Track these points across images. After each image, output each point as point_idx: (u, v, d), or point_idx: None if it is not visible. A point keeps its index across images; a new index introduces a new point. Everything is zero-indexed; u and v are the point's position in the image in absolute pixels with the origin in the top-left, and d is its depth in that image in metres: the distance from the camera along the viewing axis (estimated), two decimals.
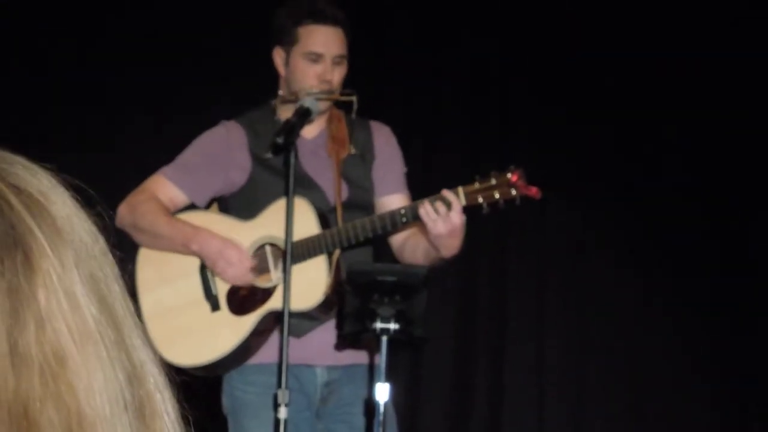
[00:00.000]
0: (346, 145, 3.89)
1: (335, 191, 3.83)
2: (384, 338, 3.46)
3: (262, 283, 3.79)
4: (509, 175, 3.60)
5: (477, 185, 3.62)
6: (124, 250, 1.04)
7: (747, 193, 5.58)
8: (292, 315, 3.52)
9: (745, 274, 5.54)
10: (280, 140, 3.48)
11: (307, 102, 3.63)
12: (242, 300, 3.78)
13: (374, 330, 3.46)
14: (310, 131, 3.87)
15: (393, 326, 3.46)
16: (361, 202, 3.88)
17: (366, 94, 3.84)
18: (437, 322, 5.27)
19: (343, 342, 3.74)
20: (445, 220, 3.59)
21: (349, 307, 3.54)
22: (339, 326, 3.74)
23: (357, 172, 3.89)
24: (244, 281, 3.76)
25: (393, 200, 3.89)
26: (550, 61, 5.64)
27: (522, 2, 5.66)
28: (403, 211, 3.67)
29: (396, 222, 3.69)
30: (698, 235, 5.57)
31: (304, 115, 3.59)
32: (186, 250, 3.79)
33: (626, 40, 5.59)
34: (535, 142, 5.60)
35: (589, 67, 5.61)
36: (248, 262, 3.75)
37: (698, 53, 5.52)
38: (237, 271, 3.74)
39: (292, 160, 3.49)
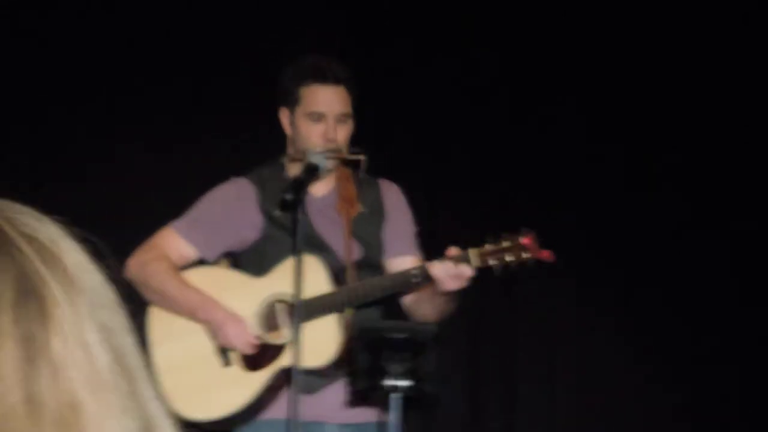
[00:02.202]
0: (356, 204, 3.91)
1: (346, 251, 3.84)
2: (395, 395, 3.45)
3: (273, 339, 3.79)
4: (522, 239, 3.63)
5: (488, 247, 3.65)
6: (133, 304, 1.03)
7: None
8: (304, 372, 3.52)
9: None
10: (288, 197, 3.48)
11: (315, 158, 3.64)
12: (254, 356, 3.78)
13: (385, 387, 3.45)
14: (319, 189, 3.89)
15: (403, 383, 3.45)
16: (372, 262, 3.89)
17: (376, 151, 3.85)
18: (449, 382, 5.25)
19: (355, 399, 3.73)
20: (456, 279, 3.62)
21: (360, 364, 3.54)
22: (350, 383, 3.72)
23: (367, 231, 3.90)
24: (247, 352, 3.77)
25: (404, 262, 3.89)
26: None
27: (531, 57, 5.68)
28: (414, 272, 3.69)
29: (408, 282, 3.71)
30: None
31: (312, 171, 3.60)
32: (192, 317, 3.81)
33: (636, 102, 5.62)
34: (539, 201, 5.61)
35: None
36: (249, 337, 3.76)
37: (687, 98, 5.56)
38: (238, 344, 3.75)
39: (301, 216, 3.50)
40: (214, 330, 3.78)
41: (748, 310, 5.57)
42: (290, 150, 3.88)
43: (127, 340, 0.97)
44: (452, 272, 3.61)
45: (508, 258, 3.63)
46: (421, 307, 3.84)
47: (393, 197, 3.97)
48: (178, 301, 3.80)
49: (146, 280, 3.81)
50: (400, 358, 3.47)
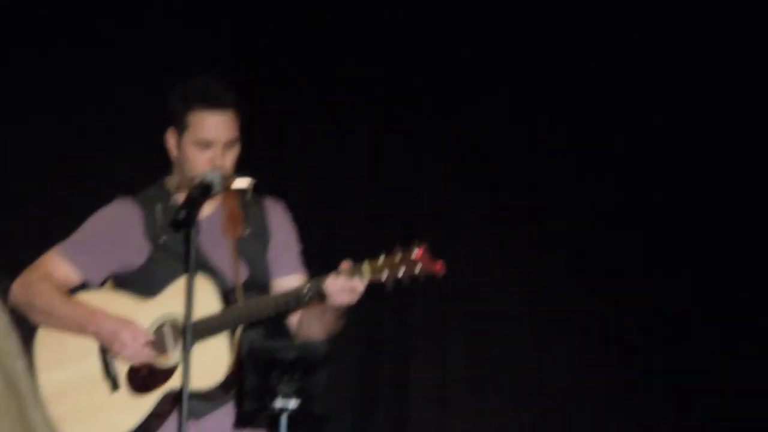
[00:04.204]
0: (241, 225, 3.89)
1: (234, 272, 3.82)
2: (284, 416, 3.44)
3: (161, 362, 3.75)
4: (414, 251, 3.63)
5: (382, 261, 3.64)
6: (25, 329, 1.02)
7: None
8: (191, 396, 3.49)
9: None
10: (181, 215, 3.46)
11: (209, 176, 3.62)
12: (142, 380, 3.74)
13: (274, 408, 3.44)
14: (203, 211, 3.82)
15: (293, 404, 3.44)
16: (259, 282, 3.88)
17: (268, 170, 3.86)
18: (338, 400, 5.25)
19: (243, 421, 3.71)
20: (349, 293, 3.62)
21: (248, 385, 3.52)
22: (238, 404, 3.71)
23: (253, 251, 3.88)
24: (142, 359, 3.73)
25: (290, 281, 3.88)
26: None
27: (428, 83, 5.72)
28: (306, 289, 3.68)
29: (300, 299, 3.69)
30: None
31: (206, 190, 3.59)
32: (82, 332, 3.76)
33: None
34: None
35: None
36: (143, 339, 3.72)
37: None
38: (132, 349, 3.71)
39: (194, 235, 3.47)
40: (106, 341, 3.73)
41: (654, 282, 5.66)
42: (175, 172, 3.85)
43: (18, 363, 0.97)
44: (345, 286, 3.61)
45: (401, 271, 3.63)
46: (309, 324, 3.82)
47: (278, 216, 3.96)
48: (66, 318, 3.76)
49: (31, 300, 3.77)
50: (289, 378, 3.45)
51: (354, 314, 3.82)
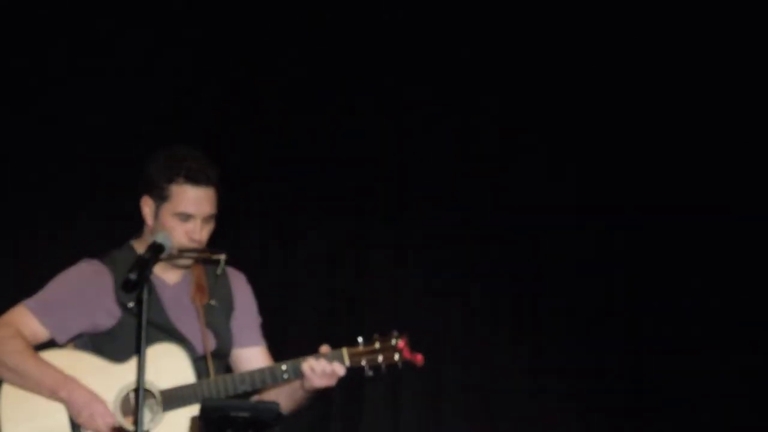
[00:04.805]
0: (206, 294, 3.94)
1: (203, 340, 3.86)
2: None
3: (130, 426, 3.76)
4: (395, 342, 3.75)
5: (361, 348, 3.76)
6: None
7: None
8: None
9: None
10: (133, 276, 3.47)
11: (160, 237, 3.65)
12: None
13: None
14: (171, 277, 3.92)
15: None
16: (224, 352, 3.95)
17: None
18: None
19: None
20: (329, 377, 3.73)
21: None
22: None
23: (218, 321, 3.95)
24: None
25: (252, 352, 3.97)
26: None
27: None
28: (284, 367, 3.77)
29: (276, 378, 3.78)
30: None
31: (157, 251, 3.61)
32: (53, 396, 3.77)
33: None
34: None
35: None
36: (111, 420, 3.75)
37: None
38: (100, 426, 3.74)
39: (146, 296, 3.48)
40: (75, 409, 3.75)
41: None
42: (147, 238, 3.86)
43: None
44: (326, 370, 3.71)
45: (380, 359, 3.73)
46: (277, 396, 3.87)
47: (241, 287, 4.03)
48: (37, 380, 3.77)
49: (3, 358, 3.78)
50: None
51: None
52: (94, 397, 3.75)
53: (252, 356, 3.95)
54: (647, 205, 5.85)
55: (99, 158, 5.43)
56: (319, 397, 5.21)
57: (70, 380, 3.77)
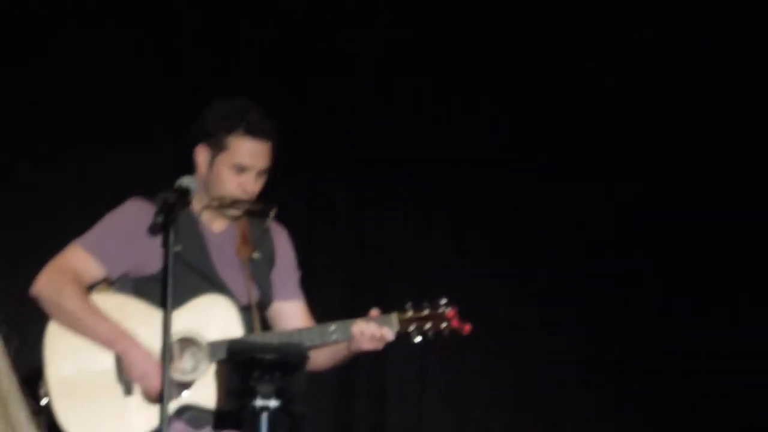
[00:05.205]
0: (250, 247, 3.95)
1: (247, 292, 3.88)
2: (263, 415, 3.48)
3: (178, 377, 3.78)
4: (446, 310, 3.78)
5: (410, 314, 3.78)
6: (11, 327, 1.06)
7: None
8: (197, 408, 3.68)
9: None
10: (159, 220, 3.48)
11: (186, 181, 3.65)
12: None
13: (254, 407, 3.47)
14: (217, 226, 3.92)
15: (273, 403, 3.48)
16: (266, 305, 3.97)
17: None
18: (317, 397, 5.29)
19: (223, 419, 3.75)
20: (377, 341, 3.74)
21: (229, 385, 3.56)
22: (219, 403, 3.75)
23: (261, 274, 3.96)
24: (155, 399, 3.74)
25: (291, 306, 3.99)
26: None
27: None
28: (333, 328, 3.79)
29: (324, 338, 3.80)
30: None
31: (183, 195, 3.61)
32: (107, 347, 3.78)
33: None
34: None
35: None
36: (158, 381, 3.69)
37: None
38: (150, 388, 3.74)
39: (171, 238, 3.48)
40: (129, 365, 3.76)
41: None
42: (199, 187, 3.79)
43: (1, 363, 0.99)
44: (375, 334, 3.72)
45: (427, 326, 3.76)
46: (319, 356, 3.87)
47: (283, 242, 4.03)
48: (94, 330, 3.77)
49: (60, 302, 3.78)
50: (269, 378, 3.49)
51: None
52: (149, 358, 3.74)
53: (291, 310, 3.96)
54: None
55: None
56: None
57: (126, 336, 3.77)
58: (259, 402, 3.48)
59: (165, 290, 3.48)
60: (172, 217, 3.51)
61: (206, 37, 5.56)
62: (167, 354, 3.45)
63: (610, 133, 5.75)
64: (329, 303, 5.15)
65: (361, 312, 3.81)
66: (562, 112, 5.74)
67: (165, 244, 3.49)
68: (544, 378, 5.71)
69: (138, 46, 5.43)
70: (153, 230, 3.52)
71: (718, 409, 5.62)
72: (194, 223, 3.89)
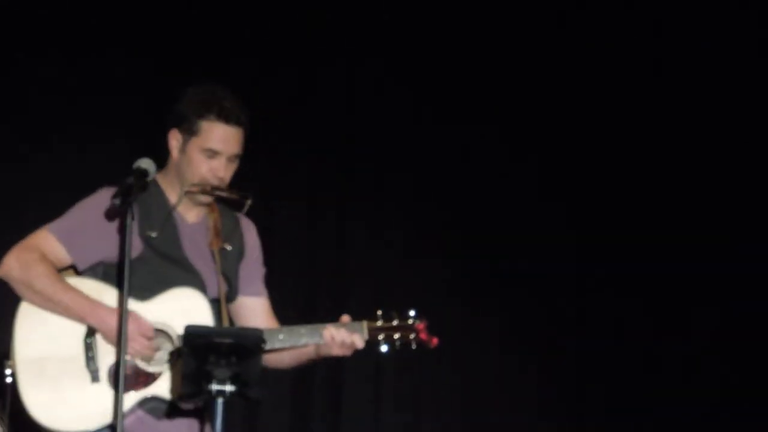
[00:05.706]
0: (221, 238, 3.95)
1: (216, 285, 3.89)
2: (219, 400, 3.47)
3: (146, 367, 3.79)
4: (416, 322, 3.82)
5: (380, 323, 3.80)
6: None
7: None
8: (163, 401, 3.72)
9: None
10: (117, 202, 3.48)
11: (144, 163, 3.64)
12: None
13: (210, 392, 3.46)
14: (191, 216, 3.93)
15: (228, 388, 3.47)
16: (232, 298, 3.98)
17: None
18: (273, 381, 5.30)
19: (179, 403, 3.74)
20: (347, 348, 3.77)
21: (186, 369, 3.54)
22: (175, 388, 3.74)
23: (231, 266, 3.97)
24: (146, 352, 3.77)
25: (255, 302, 4.01)
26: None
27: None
28: (303, 331, 3.81)
29: (295, 341, 3.82)
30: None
31: (141, 176, 3.60)
32: (80, 321, 3.78)
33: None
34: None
35: None
36: (150, 333, 3.77)
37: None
38: (138, 343, 3.75)
39: (129, 221, 3.48)
40: (105, 333, 3.76)
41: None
42: (170, 171, 3.88)
43: None
44: (346, 340, 3.74)
45: (396, 336, 3.78)
46: (284, 356, 3.91)
47: (252, 236, 4.05)
48: (65, 305, 3.77)
49: (30, 280, 3.78)
50: (226, 363, 3.48)
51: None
52: (129, 317, 3.69)
53: (255, 307, 3.99)
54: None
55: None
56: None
57: (99, 306, 3.77)
58: (215, 386, 3.46)
59: (121, 274, 3.50)
60: (130, 199, 3.49)
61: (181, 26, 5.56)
62: (124, 338, 3.46)
63: (572, 128, 5.79)
64: (288, 302, 5.16)
65: (319, 313, 3.82)
66: (516, 107, 5.78)
67: (122, 228, 3.47)
68: (498, 382, 5.74)
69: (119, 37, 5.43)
70: (110, 213, 3.50)
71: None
72: (169, 211, 3.89)
